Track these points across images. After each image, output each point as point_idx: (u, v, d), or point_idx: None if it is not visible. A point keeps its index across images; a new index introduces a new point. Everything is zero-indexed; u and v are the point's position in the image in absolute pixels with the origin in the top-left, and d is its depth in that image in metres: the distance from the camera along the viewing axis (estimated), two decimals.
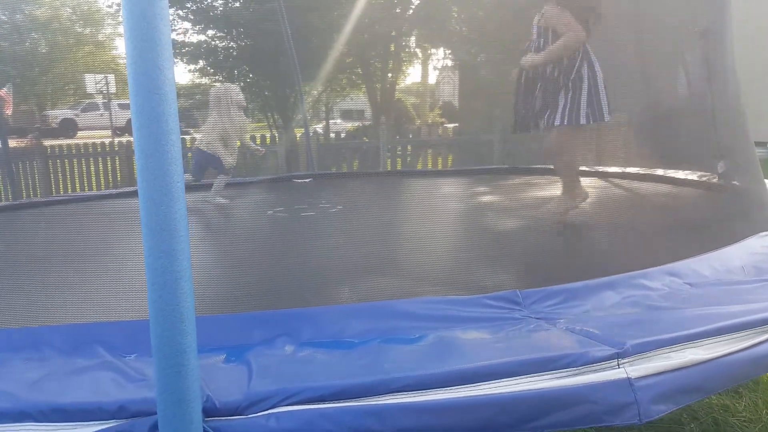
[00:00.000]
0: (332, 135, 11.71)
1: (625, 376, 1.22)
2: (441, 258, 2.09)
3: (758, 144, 13.29)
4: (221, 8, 12.14)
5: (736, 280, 1.80)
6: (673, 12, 2.99)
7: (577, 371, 1.22)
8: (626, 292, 1.68)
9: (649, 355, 1.27)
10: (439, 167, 9.71)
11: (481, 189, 4.61)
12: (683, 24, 2.95)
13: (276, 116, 13.25)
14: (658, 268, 1.81)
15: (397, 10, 14.14)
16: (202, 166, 4.85)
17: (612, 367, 1.24)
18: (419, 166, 9.92)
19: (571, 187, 2.94)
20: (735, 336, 1.36)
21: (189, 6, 12.51)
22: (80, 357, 1.42)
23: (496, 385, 1.18)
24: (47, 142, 10.63)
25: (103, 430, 1.13)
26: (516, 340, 1.37)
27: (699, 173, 3.39)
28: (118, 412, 1.15)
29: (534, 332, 1.42)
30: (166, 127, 0.95)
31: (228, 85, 5.27)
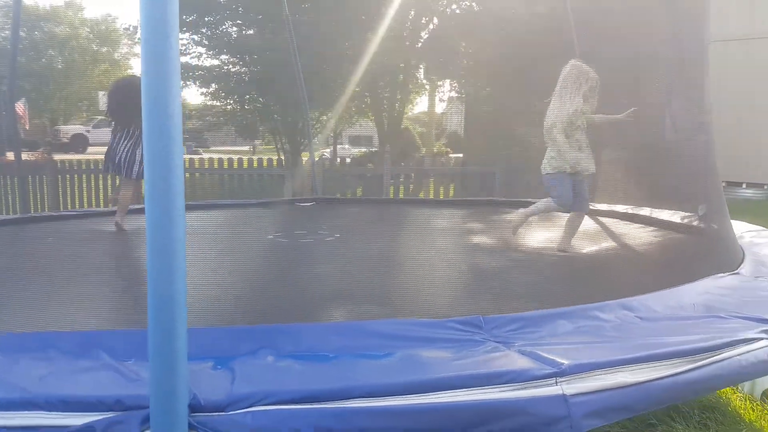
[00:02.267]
0: (338, 161, 11.98)
1: (561, 392, 1.39)
2: (415, 283, 2.27)
3: (756, 185, 13.24)
4: (235, 35, 12.51)
5: (684, 316, 1.96)
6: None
7: (518, 386, 1.39)
8: (580, 322, 1.85)
9: (584, 375, 1.44)
10: (441, 197, 9.93)
11: (464, 221, 4.80)
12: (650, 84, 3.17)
13: (284, 141, 13.50)
14: (613, 301, 1.98)
15: (407, 43, 14.51)
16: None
17: (550, 385, 1.40)
18: (421, 195, 10.12)
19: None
20: (664, 363, 1.53)
21: (204, 31, 12.88)
22: (84, 359, 1.60)
23: (446, 395, 1.35)
24: (58, 157, 10.89)
25: (101, 419, 1.30)
26: (470, 358, 1.54)
27: (673, 214, 3.56)
28: (116, 405, 1.33)
29: (488, 352, 1.59)
30: (171, 163, 1.15)
31: (579, 65, 3.64)
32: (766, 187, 13.93)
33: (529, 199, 5.94)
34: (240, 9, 12.25)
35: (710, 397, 3.63)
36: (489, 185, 10.13)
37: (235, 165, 10.13)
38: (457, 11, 15.23)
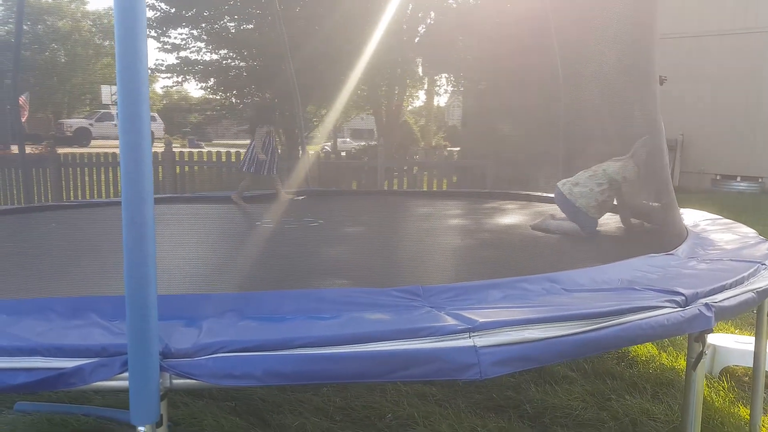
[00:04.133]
0: (332, 156, 12.26)
1: (472, 344, 1.66)
2: (374, 259, 2.54)
3: (750, 178, 13.57)
4: (233, 31, 12.78)
5: (604, 288, 2.23)
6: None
7: (437, 339, 1.67)
8: (508, 291, 2.12)
9: (494, 331, 1.71)
10: (434, 188, 10.20)
11: (434, 209, 5.14)
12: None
13: (281, 134, 13.74)
14: (541, 275, 2.25)
15: (405, 38, 14.72)
16: None
17: (464, 338, 1.68)
18: (405, 187, 10.37)
19: None
20: (568, 324, 1.80)
21: (204, 26, 13.13)
22: (77, 319, 1.88)
23: (374, 345, 1.63)
24: (61, 150, 11.17)
25: (89, 363, 1.58)
26: (404, 318, 1.82)
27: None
28: (102, 351, 1.61)
29: (421, 314, 1.87)
30: (143, 154, 1.42)
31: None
32: (760, 180, 14.18)
33: (521, 191, 6.25)
34: (238, 3, 12.50)
35: (668, 374, 3.91)
36: (481, 178, 10.40)
37: (233, 158, 10.37)
38: (454, 5, 15.43)
